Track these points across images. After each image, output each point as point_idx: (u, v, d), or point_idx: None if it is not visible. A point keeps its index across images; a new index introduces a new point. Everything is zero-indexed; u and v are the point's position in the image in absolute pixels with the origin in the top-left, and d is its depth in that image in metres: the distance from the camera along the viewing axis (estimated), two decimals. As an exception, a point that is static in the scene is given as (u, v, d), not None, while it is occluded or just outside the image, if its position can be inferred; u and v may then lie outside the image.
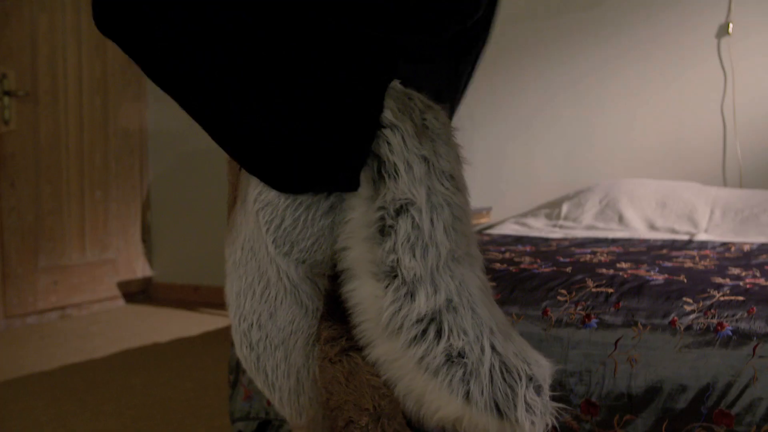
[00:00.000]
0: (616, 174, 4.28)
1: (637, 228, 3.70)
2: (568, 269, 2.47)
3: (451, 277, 1.32)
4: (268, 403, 2.30)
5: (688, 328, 1.88)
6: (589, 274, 2.37)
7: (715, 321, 1.88)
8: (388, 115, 1.35)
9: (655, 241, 3.41)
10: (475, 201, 4.64)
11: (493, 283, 2.25)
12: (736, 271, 2.46)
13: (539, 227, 3.91)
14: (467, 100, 4.71)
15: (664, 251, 3.03)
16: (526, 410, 1.29)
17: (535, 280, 2.29)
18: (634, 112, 4.29)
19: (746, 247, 3.11)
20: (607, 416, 1.89)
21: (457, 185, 1.36)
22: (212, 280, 5.31)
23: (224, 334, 4.24)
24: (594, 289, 2.15)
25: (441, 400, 1.29)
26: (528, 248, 3.14)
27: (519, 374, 1.31)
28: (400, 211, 1.31)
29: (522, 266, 2.55)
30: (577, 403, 1.92)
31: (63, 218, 4.87)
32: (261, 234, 1.40)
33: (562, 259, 2.73)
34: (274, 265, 1.41)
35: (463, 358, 1.28)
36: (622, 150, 4.33)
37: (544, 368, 1.36)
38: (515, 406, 1.29)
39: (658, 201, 3.81)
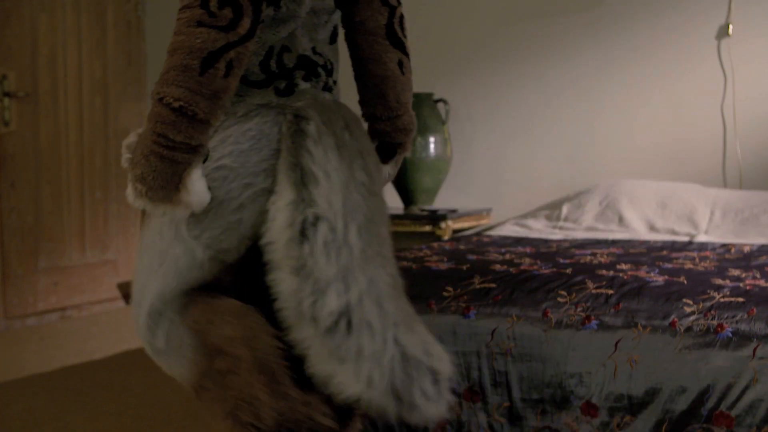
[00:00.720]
0: (616, 175, 4.28)
1: (637, 229, 3.70)
2: (568, 270, 2.47)
3: (363, 274, 1.46)
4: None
5: (688, 329, 1.88)
6: (589, 275, 2.37)
7: (715, 322, 1.88)
8: (312, 127, 1.50)
9: (655, 242, 3.41)
10: (475, 202, 4.65)
11: (493, 285, 2.26)
12: (736, 272, 2.47)
13: (539, 228, 3.91)
14: (467, 100, 4.72)
15: (664, 252, 3.03)
16: (423, 397, 1.44)
17: (535, 281, 2.29)
18: (634, 113, 4.30)
19: (746, 249, 3.12)
20: (608, 418, 1.89)
21: (371, 191, 1.53)
22: (212, 281, 5.30)
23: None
24: (594, 291, 2.15)
25: (347, 383, 1.43)
26: (528, 249, 3.14)
27: (417, 364, 1.45)
28: (318, 216, 1.45)
29: (522, 267, 2.55)
30: (577, 404, 1.92)
31: (63, 219, 4.87)
32: (173, 218, 1.56)
33: (562, 261, 2.73)
34: (182, 244, 1.56)
35: (367, 348, 1.42)
36: (622, 151, 4.33)
37: (443, 362, 1.50)
38: (411, 392, 1.43)
39: (658, 202, 3.81)
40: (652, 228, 3.69)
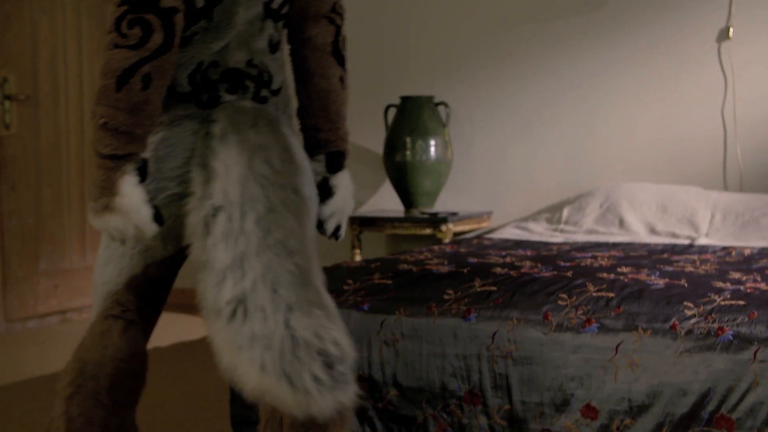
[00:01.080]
0: (617, 178, 4.28)
1: (638, 232, 3.70)
2: (569, 273, 2.47)
3: (259, 261, 1.50)
4: (269, 407, 2.30)
5: (689, 332, 1.88)
6: (589, 278, 2.37)
7: (715, 325, 1.88)
8: (217, 128, 1.61)
9: (656, 245, 3.41)
10: (476, 205, 4.65)
11: (494, 287, 2.26)
12: (736, 275, 2.47)
13: (540, 231, 3.91)
14: (468, 103, 4.72)
15: (665, 255, 3.03)
16: (315, 382, 1.43)
17: (535, 284, 2.29)
18: (635, 116, 4.30)
19: (747, 252, 3.12)
20: (608, 421, 1.89)
21: (277, 183, 1.59)
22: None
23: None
24: (595, 294, 2.16)
25: (246, 373, 1.45)
26: (529, 252, 3.14)
27: (306, 347, 1.45)
28: (216, 208, 1.53)
29: (523, 270, 2.56)
30: (578, 407, 1.92)
31: (64, 222, 4.87)
32: None
33: (562, 264, 2.73)
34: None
35: (259, 332, 1.46)
36: (623, 154, 4.33)
37: (341, 348, 1.48)
38: (302, 376, 1.43)
39: (659, 205, 3.82)
40: (653, 231, 3.69)
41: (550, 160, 4.49)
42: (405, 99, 4.47)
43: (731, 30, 4.05)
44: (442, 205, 4.67)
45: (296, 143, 1.75)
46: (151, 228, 1.59)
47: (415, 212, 4.41)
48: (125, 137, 1.55)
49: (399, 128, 4.42)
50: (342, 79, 1.85)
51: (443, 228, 4.15)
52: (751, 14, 4.02)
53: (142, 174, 1.61)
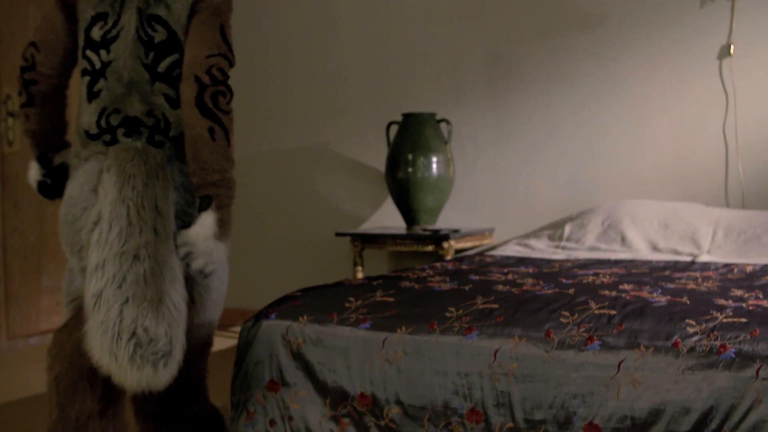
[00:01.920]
0: (619, 195, 4.29)
1: (640, 249, 3.70)
2: (571, 291, 2.47)
3: (113, 265, 1.97)
4: (271, 424, 2.30)
5: (691, 350, 1.88)
6: (591, 295, 2.37)
7: (718, 343, 1.88)
8: (107, 162, 2.12)
9: (658, 262, 3.41)
10: (478, 222, 4.65)
11: (496, 305, 2.26)
12: (738, 292, 2.46)
13: (542, 248, 3.91)
14: (469, 120, 4.73)
15: (667, 272, 3.03)
16: (130, 360, 1.90)
17: (537, 301, 2.29)
18: (637, 133, 4.31)
19: (749, 269, 3.11)
20: (610, 439, 1.88)
21: (140, 204, 2.05)
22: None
23: (227, 355, 4.23)
24: (597, 311, 2.15)
25: (92, 350, 1.93)
26: (531, 270, 3.14)
27: (126, 330, 1.91)
28: (95, 223, 2.05)
29: (524, 288, 2.56)
30: (580, 425, 1.92)
31: (66, 239, 4.87)
32: None
33: (564, 281, 2.73)
34: (70, 258, 2.26)
35: (104, 318, 1.93)
36: (625, 171, 4.34)
37: (149, 333, 1.93)
38: (122, 355, 1.90)
39: (661, 222, 3.82)
40: (655, 248, 3.69)
41: (551, 176, 4.50)
42: (407, 116, 4.48)
43: (732, 47, 4.06)
44: (444, 221, 4.68)
45: (176, 172, 2.19)
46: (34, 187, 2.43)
47: (417, 229, 4.41)
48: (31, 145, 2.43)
49: (401, 145, 4.42)
50: (212, 131, 2.13)
51: (445, 245, 4.16)
52: (752, 31, 4.04)
53: (42, 161, 2.40)
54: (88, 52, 2.24)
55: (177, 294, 2.03)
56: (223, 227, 2.16)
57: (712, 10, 4.12)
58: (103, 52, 2.22)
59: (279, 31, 5.30)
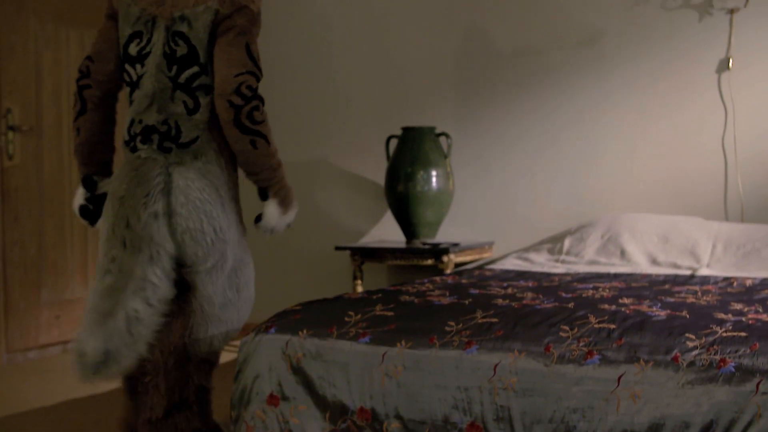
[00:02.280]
0: (618, 209, 4.29)
1: (639, 263, 3.70)
2: (571, 305, 2.47)
3: (98, 278, 2.35)
4: (270, 439, 2.30)
5: (691, 364, 1.88)
6: (591, 309, 2.37)
7: (717, 357, 1.88)
8: (122, 190, 2.41)
9: (657, 276, 3.41)
10: (477, 236, 4.65)
11: (495, 319, 2.26)
12: (738, 306, 2.46)
13: (541, 262, 3.91)
14: (469, 134, 4.73)
15: (667, 286, 3.03)
16: (76, 364, 2.20)
17: (537, 315, 2.29)
18: (636, 146, 4.31)
19: (748, 282, 3.11)
20: (611, 453, 1.88)
21: (117, 223, 2.38)
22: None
23: (227, 368, 4.22)
24: (596, 325, 2.15)
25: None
26: (530, 283, 3.14)
27: (74, 341, 2.23)
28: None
29: (524, 302, 2.56)
30: (580, 439, 1.91)
31: (66, 252, 4.88)
32: None
33: (564, 295, 2.73)
34: None
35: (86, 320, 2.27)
36: (624, 184, 4.34)
37: (80, 344, 2.21)
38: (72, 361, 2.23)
39: (660, 236, 3.82)
40: (654, 262, 3.69)
41: (551, 190, 4.50)
42: (406, 130, 4.49)
43: (731, 60, 4.07)
44: (443, 235, 4.68)
45: (175, 175, 2.42)
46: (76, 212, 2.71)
47: (417, 243, 4.41)
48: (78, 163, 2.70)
49: (400, 159, 4.43)
50: (253, 142, 2.45)
51: (445, 259, 4.15)
52: (751, 44, 4.05)
53: (87, 184, 2.66)
54: (127, 66, 2.53)
55: (139, 301, 2.28)
56: (284, 201, 2.62)
57: (711, 23, 4.13)
58: (138, 66, 2.50)
59: (279, 46, 5.31)
